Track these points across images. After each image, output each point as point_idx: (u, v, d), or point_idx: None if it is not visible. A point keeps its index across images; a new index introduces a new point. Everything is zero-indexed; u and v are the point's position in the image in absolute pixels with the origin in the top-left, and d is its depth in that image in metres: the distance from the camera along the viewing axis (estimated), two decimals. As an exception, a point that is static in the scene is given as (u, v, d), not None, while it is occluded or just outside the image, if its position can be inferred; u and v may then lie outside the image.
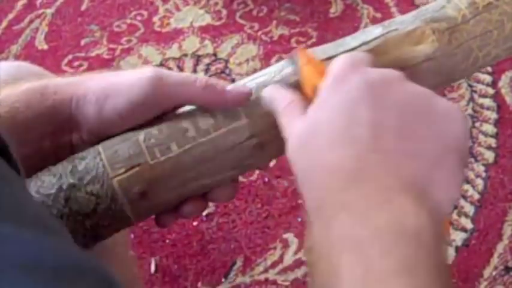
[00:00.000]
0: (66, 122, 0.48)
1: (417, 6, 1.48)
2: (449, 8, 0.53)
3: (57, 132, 0.48)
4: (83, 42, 1.52)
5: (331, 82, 0.43)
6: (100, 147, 0.48)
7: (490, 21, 0.53)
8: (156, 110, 0.49)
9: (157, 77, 0.48)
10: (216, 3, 1.57)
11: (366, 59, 0.45)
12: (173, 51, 1.47)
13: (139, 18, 1.57)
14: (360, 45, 0.51)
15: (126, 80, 0.49)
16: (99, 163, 0.47)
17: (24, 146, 0.47)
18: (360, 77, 0.42)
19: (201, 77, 0.49)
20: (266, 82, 0.50)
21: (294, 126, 0.44)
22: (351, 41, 0.52)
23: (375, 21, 1.48)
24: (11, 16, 1.60)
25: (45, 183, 0.47)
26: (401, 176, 0.39)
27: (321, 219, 0.39)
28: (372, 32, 0.52)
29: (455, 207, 1.12)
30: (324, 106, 0.43)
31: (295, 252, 1.08)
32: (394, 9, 1.51)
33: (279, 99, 0.47)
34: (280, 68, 0.51)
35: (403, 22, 0.53)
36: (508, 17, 0.53)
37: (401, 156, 0.40)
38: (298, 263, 1.07)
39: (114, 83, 0.49)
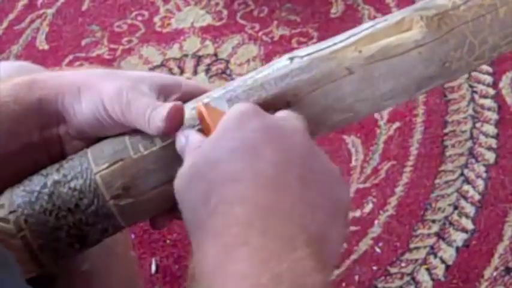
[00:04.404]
0: (54, 117, 0.49)
1: (418, 7, 1.50)
2: None
3: (45, 126, 0.49)
4: (83, 42, 1.52)
5: (233, 118, 0.43)
6: (88, 149, 0.48)
7: (481, 6, 0.52)
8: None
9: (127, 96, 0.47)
10: (217, 4, 1.57)
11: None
12: (174, 51, 1.47)
13: (140, 18, 1.57)
14: (349, 37, 0.51)
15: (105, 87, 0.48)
16: (84, 161, 0.47)
17: (14, 140, 0.48)
18: (259, 119, 0.42)
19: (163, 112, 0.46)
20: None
21: (187, 160, 0.43)
22: (340, 35, 0.51)
23: (375, 21, 1.48)
24: (11, 16, 1.60)
25: (32, 181, 0.47)
26: (304, 226, 0.39)
27: (218, 247, 0.39)
28: (362, 26, 0.52)
29: (456, 207, 1.13)
30: (224, 138, 0.42)
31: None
32: (394, 10, 1.51)
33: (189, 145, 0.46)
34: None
35: (393, 15, 0.52)
36: (500, 1, 0.52)
37: (305, 205, 0.40)
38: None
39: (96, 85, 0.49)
